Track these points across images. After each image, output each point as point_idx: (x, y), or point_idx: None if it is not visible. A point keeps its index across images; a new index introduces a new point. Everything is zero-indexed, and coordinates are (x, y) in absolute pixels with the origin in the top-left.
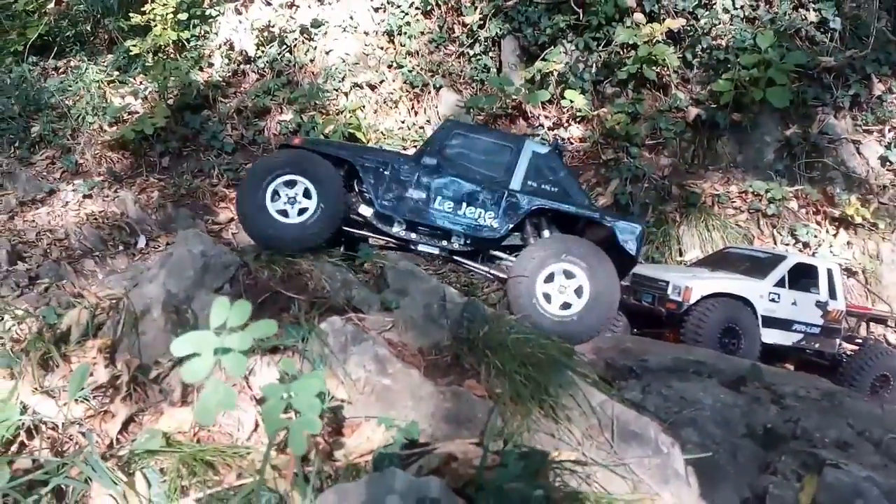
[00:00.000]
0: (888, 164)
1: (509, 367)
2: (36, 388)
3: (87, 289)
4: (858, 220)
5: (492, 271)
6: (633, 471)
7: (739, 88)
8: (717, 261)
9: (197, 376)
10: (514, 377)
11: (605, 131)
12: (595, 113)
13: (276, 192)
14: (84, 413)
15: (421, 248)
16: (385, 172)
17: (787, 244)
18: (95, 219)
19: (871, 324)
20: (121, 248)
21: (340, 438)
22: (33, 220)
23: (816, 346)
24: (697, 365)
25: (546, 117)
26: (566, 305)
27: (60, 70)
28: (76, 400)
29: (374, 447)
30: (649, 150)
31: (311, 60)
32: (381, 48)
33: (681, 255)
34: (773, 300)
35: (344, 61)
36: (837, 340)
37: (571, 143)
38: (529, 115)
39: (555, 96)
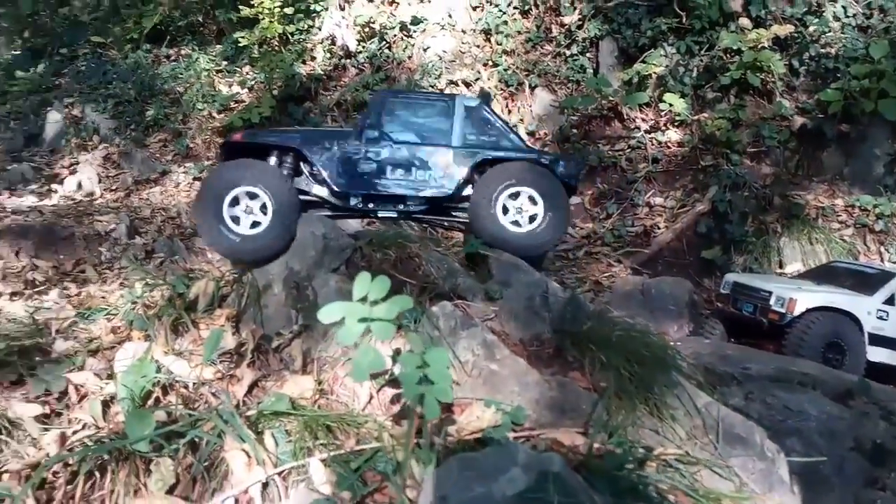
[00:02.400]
0: None
1: (615, 363)
2: (168, 350)
3: (209, 262)
4: None
5: (453, 220)
6: (736, 473)
7: (849, 99)
8: (823, 274)
9: (350, 340)
10: (619, 372)
11: (704, 137)
12: (695, 118)
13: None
14: (213, 375)
15: (380, 214)
16: (333, 153)
17: (894, 262)
18: None
19: None
20: None
21: (451, 416)
22: (147, 199)
23: None
24: (802, 376)
25: (643, 120)
26: (517, 224)
27: (172, 58)
28: (207, 364)
29: (483, 426)
30: (750, 157)
31: (409, 57)
32: (478, 46)
33: (781, 266)
34: (881, 317)
35: (440, 58)
36: None
37: (668, 147)
38: (625, 116)
39: (653, 99)
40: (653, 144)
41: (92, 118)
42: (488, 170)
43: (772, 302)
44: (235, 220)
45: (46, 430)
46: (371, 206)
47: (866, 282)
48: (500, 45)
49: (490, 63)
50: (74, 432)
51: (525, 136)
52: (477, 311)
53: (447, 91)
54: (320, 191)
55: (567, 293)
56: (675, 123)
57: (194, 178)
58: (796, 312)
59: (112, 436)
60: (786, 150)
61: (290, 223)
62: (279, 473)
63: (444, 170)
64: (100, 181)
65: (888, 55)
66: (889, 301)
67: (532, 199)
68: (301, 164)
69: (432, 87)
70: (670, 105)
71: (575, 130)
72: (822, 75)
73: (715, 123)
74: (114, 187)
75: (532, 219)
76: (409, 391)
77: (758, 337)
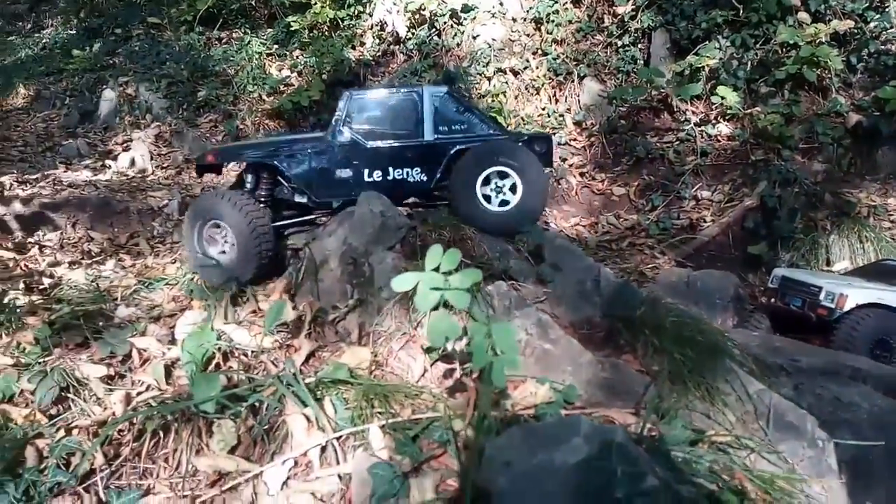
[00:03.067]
0: None
1: (668, 347)
2: (227, 320)
3: None
4: None
5: (435, 201)
6: (786, 459)
7: None
8: (873, 272)
9: (427, 306)
10: (672, 356)
11: (756, 131)
12: (747, 112)
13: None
14: (272, 345)
15: None
16: (307, 163)
17: None
18: None
19: None
20: None
21: (505, 391)
22: (200, 179)
23: None
24: (852, 370)
25: (693, 112)
26: (504, 202)
27: (224, 41)
28: (266, 333)
29: (537, 403)
30: (802, 154)
31: (458, 44)
32: (528, 35)
33: (828, 264)
34: None
35: (490, 46)
36: None
37: (718, 141)
38: (675, 108)
39: (705, 92)
40: (702, 137)
41: (145, 97)
42: (465, 154)
43: (821, 297)
44: (212, 242)
45: (111, 390)
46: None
47: None
48: (551, 34)
49: (539, 52)
50: (139, 393)
51: (571, 126)
52: (529, 293)
53: (495, 79)
54: (300, 198)
55: (619, 279)
56: (727, 117)
57: None
58: (846, 308)
59: (176, 397)
60: (839, 147)
61: (254, 252)
62: (337, 438)
63: (421, 165)
64: (152, 158)
65: None
66: None
67: (510, 180)
68: (279, 176)
69: (480, 74)
70: (722, 98)
71: (623, 121)
72: (880, 72)
73: (768, 118)
74: (165, 165)
75: (507, 201)
76: (479, 359)
77: (805, 332)
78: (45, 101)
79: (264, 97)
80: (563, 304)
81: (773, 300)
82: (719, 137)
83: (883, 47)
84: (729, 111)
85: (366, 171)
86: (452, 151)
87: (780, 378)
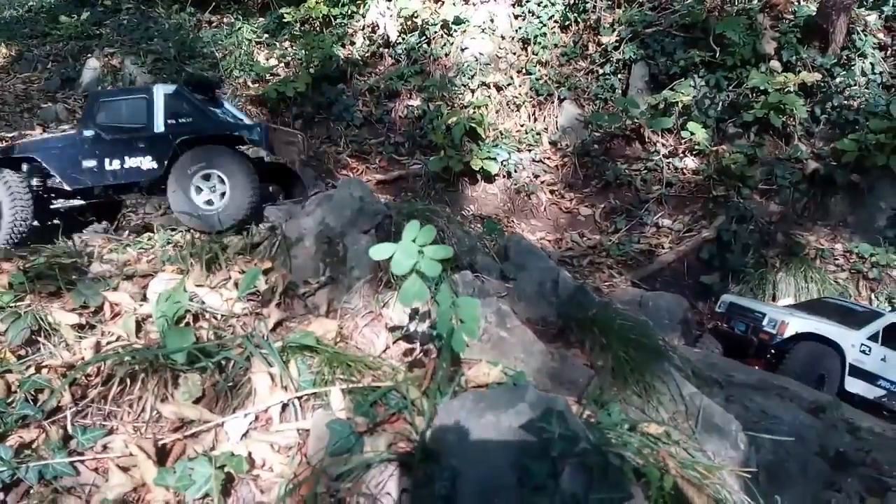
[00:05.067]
0: None
1: (613, 346)
2: (201, 284)
3: None
4: None
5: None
6: (710, 457)
7: (863, 151)
8: (814, 306)
9: (401, 270)
10: (616, 354)
11: (720, 168)
12: (713, 149)
13: None
14: (242, 311)
15: (116, 196)
16: (61, 155)
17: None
18: None
19: None
20: None
21: (461, 369)
22: None
23: (895, 406)
24: (781, 389)
25: (663, 145)
26: (210, 202)
27: (214, 24)
28: (237, 299)
29: (489, 382)
30: (761, 194)
31: (447, 54)
32: (514, 53)
33: (773, 299)
34: (863, 351)
35: (477, 60)
36: None
37: (684, 174)
38: (647, 139)
39: (676, 126)
40: (669, 169)
41: (130, 70)
42: (184, 152)
43: (764, 322)
44: None
45: (82, 337)
46: (105, 192)
47: (854, 317)
48: (536, 55)
49: (524, 71)
50: (108, 343)
51: (547, 145)
52: (492, 288)
53: (479, 92)
54: (65, 186)
55: (577, 283)
56: (694, 152)
57: None
58: (786, 335)
59: (146, 347)
60: (796, 192)
61: (13, 227)
62: (299, 398)
63: (152, 154)
64: None
65: None
66: (873, 338)
67: (221, 180)
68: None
69: (465, 86)
70: (692, 134)
71: (596, 146)
72: (841, 125)
73: (732, 157)
74: None
75: (219, 197)
76: (442, 324)
77: (746, 356)
78: (27, 62)
79: (249, 83)
80: (523, 300)
81: (719, 324)
82: (685, 171)
83: (846, 102)
84: (697, 147)
85: (107, 161)
86: (177, 142)
87: (714, 389)
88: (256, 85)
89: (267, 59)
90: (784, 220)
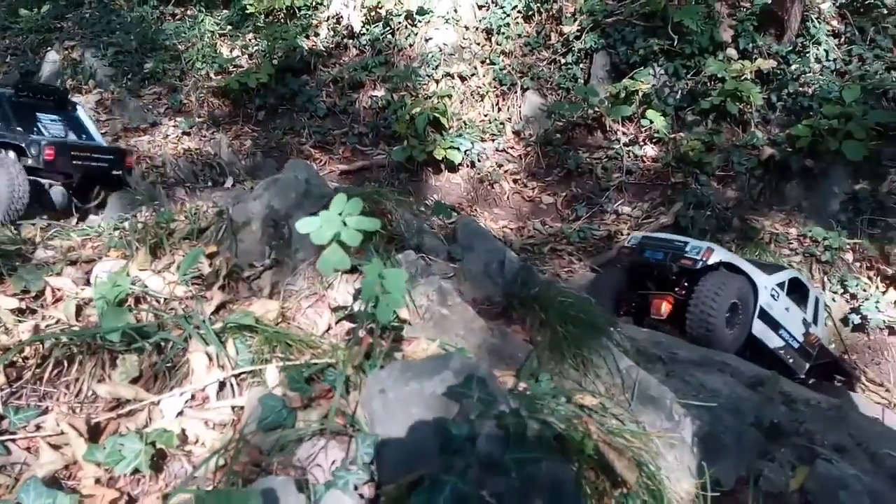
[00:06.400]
0: None
1: (553, 322)
2: (144, 269)
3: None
4: None
5: None
6: (645, 429)
7: (817, 136)
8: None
9: (322, 239)
10: (555, 330)
11: (678, 155)
12: (672, 136)
13: None
14: (185, 294)
15: None
16: None
17: (835, 292)
18: (191, 154)
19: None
20: (210, 183)
21: (399, 345)
22: (135, 146)
23: (790, 360)
24: (723, 365)
25: (624, 133)
26: None
27: (177, 16)
28: (180, 282)
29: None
30: (718, 180)
31: (411, 45)
32: (478, 44)
33: None
34: (772, 296)
35: (441, 50)
36: (807, 364)
37: (644, 162)
38: (608, 128)
39: (636, 115)
40: (629, 157)
41: (90, 63)
42: None
43: (688, 249)
44: None
45: (21, 321)
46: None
47: (764, 267)
48: (500, 45)
49: (487, 61)
50: (47, 326)
51: (510, 135)
52: (438, 269)
53: (442, 82)
54: None
55: (521, 262)
56: (654, 140)
57: (183, 132)
58: (711, 261)
59: (84, 330)
60: (752, 178)
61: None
62: (236, 376)
63: None
64: None
65: (858, 100)
66: (781, 286)
67: None
68: None
69: (429, 76)
70: (651, 122)
71: (559, 135)
72: (796, 112)
73: (690, 144)
74: (104, 132)
75: None
76: (367, 294)
77: (658, 287)
78: None
79: (212, 75)
80: (469, 280)
81: (631, 255)
82: (644, 158)
83: (801, 89)
84: (656, 135)
85: None
86: None
87: (657, 365)
88: (219, 77)
89: (230, 51)
90: (740, 205)
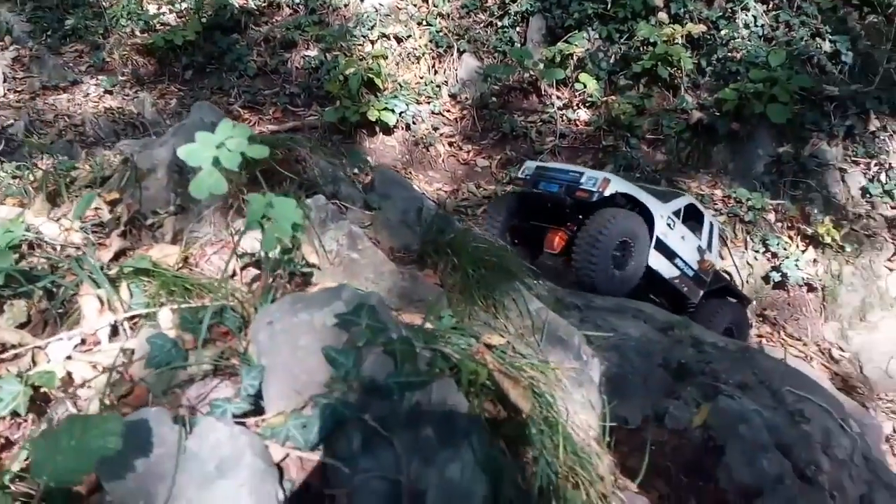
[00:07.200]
0: (868, 195)
1: (464, 265)
2: (41, 216)
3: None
4: (828, 240)
5: None
6: (553, 369)
7: (743, 100)
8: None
9: (196, 161)
10: (466, 273)
11: (610, 119)
12: (604, 100)
13: None
14: (82, 241)
15: None
16: None
17: (757, 251)
18: (112, 113)
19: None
20: None
21: (306, 289)
22: (53, 104)
23: (685, 289)
24: (637, 311)
25: (558, 97)
26: None
27: None
28: (77, 229)
29: None
30: (648, 143)
31: (346, 5)
32: (415, 5)
33: None
34: (668, 225)
35: (377, 11)
36: (701, 291)
37: (577, 125)
38: (543, 92)
39: (570, 79)
40: (563, 121)
41: (6, 17)
42: None
43: (583, 180)
44: None
45: None
46: None
47: (660, 194)
48: (437, 7)
49: (424, 22)
50: None
51: (447, 98)
52: (354, 218)
53: (378, 43)
54: None
55: (438, 210)
56: (587, 104)
57: (105, 91)
58: (608, 192)
59: None
60: (680, 141)
61: None
62: (130, 318)
63: None
64: (5, 80)
65: (784, 65)
66: (677, 214)
67: None
68: None
69: (364, 37)
70: (584, 86)
71: (495, 99)
72: (724, 77)
73: (621, 108)
74: (20, 89)
75: None
76: (252, 223)
77: (554, 218)
78: None
79: (137, 32)
80: (386, 229)
81: (525, 187)
82: (578, 122)
83: (730, 54)
84: (589, 98)
85: None
86: None
87: (572, 312)
88: (145, 34)
89: (158, 8)
90: (669, 167)
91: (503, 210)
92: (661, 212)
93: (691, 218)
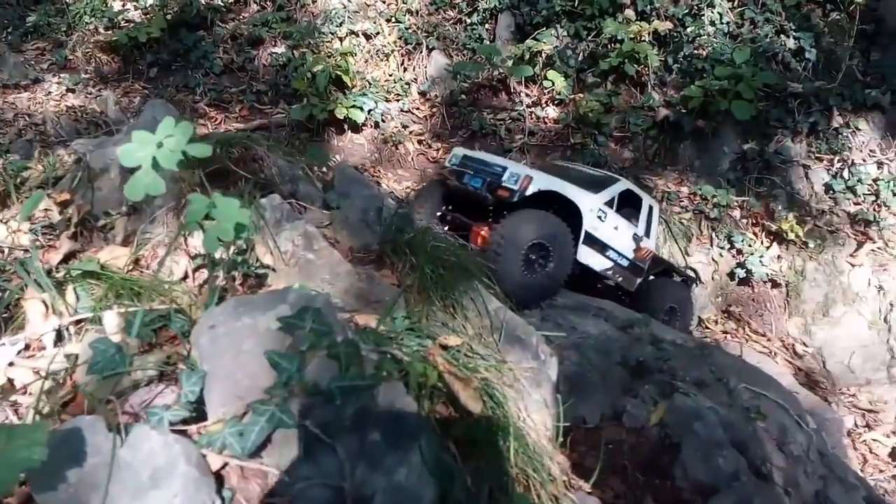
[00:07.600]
0: (831, 191)
1: (423, 265)
2: None
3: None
4: (791, 236)
5: None
6: (511, 369)
7: (708, 97)
8: (550, 169)
9: (132, 162)
10: (424, 273)
11: (578, 116)
12: (572, 98)
13: None
14: (31, 243)
15: None
16: None
17: (722, 247)
18: (75, 112)
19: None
20: None
21: (260, 291)
22: (13, 103)
23: (620, 279)
24: (598, 310)
25: (527, 95)
26: None
27: None
28: (26, 231)
29: None
30: (616, 141)
31: (314, 1)
32: (384, 1)
33: None
34: (599, 217)
35: (345, 7)
36: (638, 280)
37: (545, 123)
38: (512, 90)
39: (538, 76)
40: (532, 118)
41: None
42: None
43: (504, 178)
44: None
45: None
46: None
47: (592, 182)
48: (405, 3)
49: (393, 19)
50: None
51: (416, 95)
52: (312, 218)
53: (347, 40)
54: None
55: (400, 210)
56: (556, 102)
57: (67, 90)
58: (529, 192)
59: None
60: (647, 139)
61: None
62: (75, 322)
63: None
64: None
65: (749, 62)
66: (610, 203)
67: None
68: None
69: (332, 34)
70: (552, 83)
71: (464, 96)
72: (691, 74)
73: (589, 105)
74: None
75: None
76: (191, 223)
77: (476, 218)
78: None
79: (101, 29)
80: (344, 229)
81: (450, 180)
82: (546, 120)
83: (696, 51)
84: (558, 96)
85: None
86: None
87: (533, 311)
88: (109, 32)
89: (122, 5)
90: (636, 165)
91: (430, 198)
92: (591, 205)
93: (628, 204)
